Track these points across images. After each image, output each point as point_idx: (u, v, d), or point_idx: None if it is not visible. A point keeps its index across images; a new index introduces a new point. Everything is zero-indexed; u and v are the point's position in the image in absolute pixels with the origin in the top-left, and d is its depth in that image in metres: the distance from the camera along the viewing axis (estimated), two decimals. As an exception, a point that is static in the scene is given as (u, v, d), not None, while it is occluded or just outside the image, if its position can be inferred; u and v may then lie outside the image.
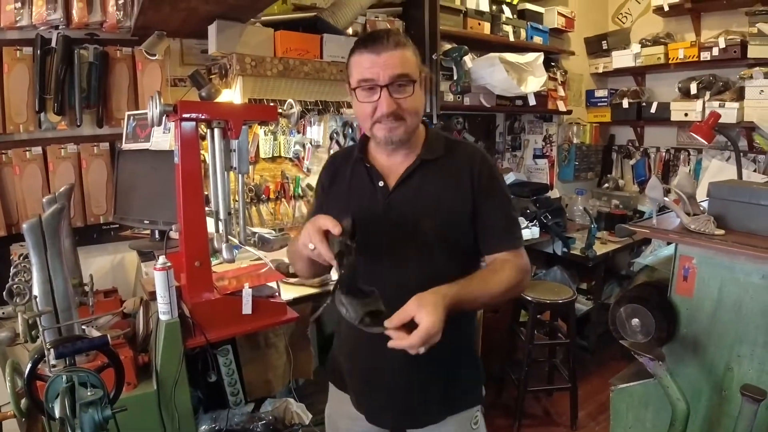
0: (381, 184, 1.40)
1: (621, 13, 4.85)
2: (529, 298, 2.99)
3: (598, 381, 3.51)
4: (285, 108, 2.05)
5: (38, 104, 2.37)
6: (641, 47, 4.33)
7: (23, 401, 1.45)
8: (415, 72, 1.33)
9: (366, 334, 1.19)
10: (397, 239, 1.37)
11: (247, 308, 1.93)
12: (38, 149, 2.42)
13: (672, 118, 4.17)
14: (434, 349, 1.16)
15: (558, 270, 3.91)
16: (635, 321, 1.85)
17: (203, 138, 2.01)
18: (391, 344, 1.14)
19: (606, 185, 4.83)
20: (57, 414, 1.10)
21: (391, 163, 1.43)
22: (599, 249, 3.67)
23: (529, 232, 3.56)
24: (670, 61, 4.16)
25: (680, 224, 1.86)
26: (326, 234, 1.21)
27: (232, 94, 2.50)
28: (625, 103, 4.51)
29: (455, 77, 3.36)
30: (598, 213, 4.36)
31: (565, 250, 3.72)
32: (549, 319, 3.48)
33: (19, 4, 2.28)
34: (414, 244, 1.37)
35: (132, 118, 2.51)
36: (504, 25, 3.75)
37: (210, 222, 1.90)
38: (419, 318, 1.12)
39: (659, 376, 1.74)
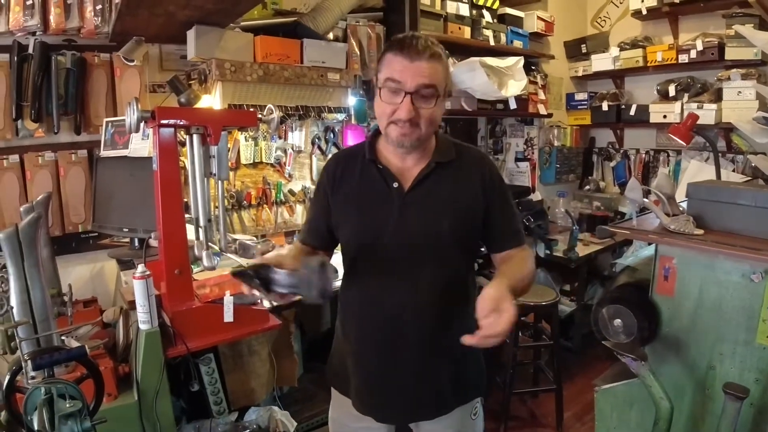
0: (395, 185, 1.42)
1: (600, 17, 4.91)
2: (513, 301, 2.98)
3: (583, 382, 3.52)
4: (265, 113, 2.04)
5: (15, 111, 2.35)
6: (620, 50, 4.39)
7: (2, 414, 1.42)
8: (441, 85, 1.34)
9: (376, 335, 1.33)
10: (413, 238, 1.40)
11: (228, 316, 1.91)
12: (15, 157, 2.39)
13: (651, 120, 4.23)
14: (444, 343, 1.26)
15: (541, 272, 3.92)
16: (617, 321, 1.86)
17: (182, 144, 2.00)
18: (476, 337, 1.15)
19: (587, 187, 4.87)
20: (36, 426, 1.08)
21: (405, 166, 1.45)
22: (581, 251, 3.70)
23: (512, 234, 3.56)
24: (648, 64, 4.22)
25: (660, 225, 1.87)
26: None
27: (212, 100, 2.49)
28: (605, 106, 4.56)
29: (436, 81, 3.36)
30: (580, 215, 4.39)
31: (547, 252, 3.74)
32: (533, 321, 3.49)
33: (-6, 11, 2.26)
34: (430, 243, 1.40)
35: (110, 124, 2.48)
36: (484, 30, 3.77)
37: (190, 229, 1.88)
38: (505, 306, 1.14)
39: (642, 376, 1.75)
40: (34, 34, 2.36)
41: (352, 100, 3.00)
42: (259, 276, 1.21)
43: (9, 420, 1.30)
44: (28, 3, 2.29)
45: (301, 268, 1.19)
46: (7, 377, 1.25)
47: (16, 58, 2.31)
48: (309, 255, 1.43)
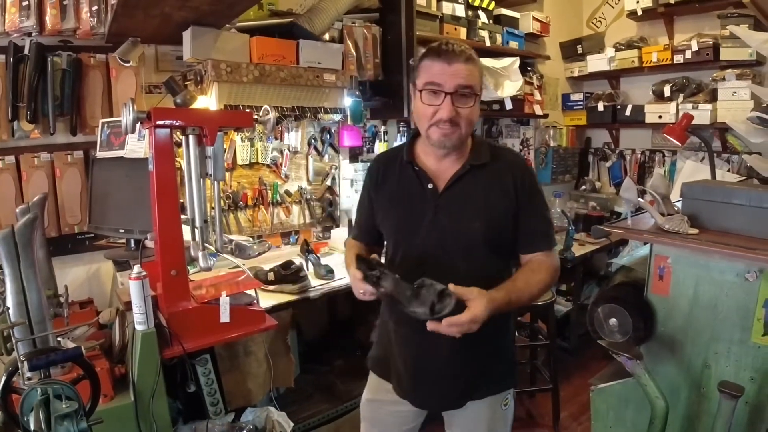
0: (430, 186, 1.50)
1: (595, 18, 4.92)
2: (510, 301, 3.00)
3: (580, 381, 3.53)
4: (261, 114, 2.04)
5: (11, 112, 2.34)
6: (615, 51, 4.41)
7: (-2, 415, 1.42)
8: (478, 86, 1.44)
9: (414, 326, 1.37)
10: (446, 238, 1.48)
11: (225, 317, 1.91)
12: (11, 158, 2.39)
13: (646, 121, 4.25)
14: (475, 337, 1.33)
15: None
16: (613, 321, 1.86)
17: (178, 145, 2.00)
18: (430, 327, 1.28)
19: (583, 187, 4.88)
20: (32, 427, 1.08)
21: (440, 168, 1.52)
22: (577, 250, 3.70)
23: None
24: (643, 65, 4.24)
25: (655, 224, 1.88)
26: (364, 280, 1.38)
27: (208, 101, 2.48)
28: (601, 107, 4.57)
29: (432, 82, 3.37)
30: (576, 215, 4.40)
31: (544, 252, 3.73)
32: (529, 320, 3.50)
33: (-10, 12, 2.25)
34: (462, 243, 1.48)
35: (106, 125, 2.48)
36: (480, 31, 3.78)
37: (186, 230, 1.88)
38: (473, 304, 1.28)
39: (638, 375, 1.75)
40: (30, 35, 2.35)
41: (348, 101, 3.01)
42: (380, 274, 1.36)
43: (5, 421, 1.30)
44: (24, 4, 2.29)
45: (423, 289, 1.31)
46: (4, 378, 1.24)
47: (11, 59, 2.31)
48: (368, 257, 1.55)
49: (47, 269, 2.09)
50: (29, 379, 1.27)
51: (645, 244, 1.98)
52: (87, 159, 2.55)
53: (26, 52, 2.33)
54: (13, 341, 1.44)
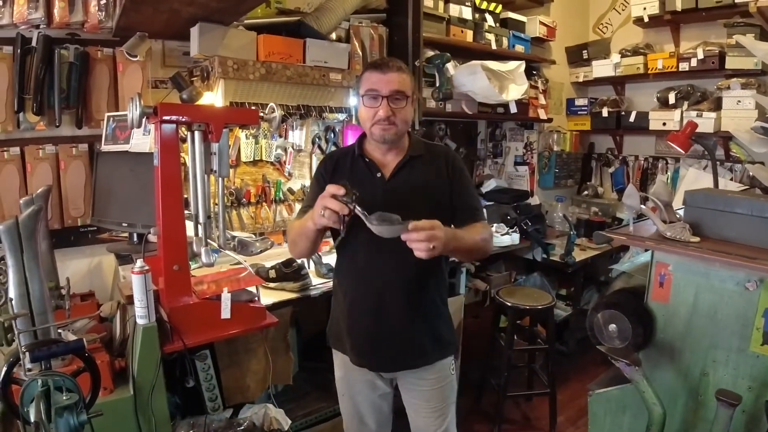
0: (379, 174, 1.77)
1: (602, 24, 4.93)
2: (509, 304, 3.01)
3: (577, 386, 3.54)
4: (266, 112, 2.05)
5: (17, 104, 2.35)
6: (621, 57, 4.40)
7: (-2, 405, 1.43)
8: (409, 90, 1.72)
9: (367, 298, 1.75)
10: None
11: (225, 313, 1.92)
12: (16, 150, 2.39)
13: (650, 128, 4.24)
14: (422, 303, 1.76)
15: (537, 276, 3.93)
16: (612, 326, 1.87)
17: (183, 140, 2.00)
18: (406, 237, 1.44)
19: (585, 193, 4.88)
20: (32, 418, 1.09)
21: (386, 160, 1.80)
22: (578, 255, 3.71)
23: (509, 238, 3.57)
24: (649, 71, 4.23)
25: (656, 231, 1.88)
26: (335, 197, 1.49)
27: (214, 97, 2.49)
28: (605, 112, 4.57)
29: (437, 84, 3.39)
30: (578, 220, 4.41)
31: (544, 256, 3.75)
32: (528, 324, 3.50)
33: (0, 3, 2.26)
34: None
35: (112, 119, 2.48)
36: (486, 34, 3.78)
37: (189, 225, 1.88)
38: (430, 222, 1.46)
39: (636, 381, 1.76)
40: (37, 27, 2.36)
41: (353, 101, 3.01)
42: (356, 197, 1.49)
43: (5, 411, 1.31)
44: (32, -4, 2.30)
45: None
46: (4, 369, 1.25)
47: (19, 51, 2.32)
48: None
49: (50, 261, 2.10)
50: (30, 370, 1.27)
51: (646, 251, 1.99)
52: (92, 152, 2.56)
53: (34, 44, 2.34)
54: (15, 332, 1.44)
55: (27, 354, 1.21)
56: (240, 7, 2.26)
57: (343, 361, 1.92)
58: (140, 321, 1.75)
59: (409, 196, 1.72)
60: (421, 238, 1.43)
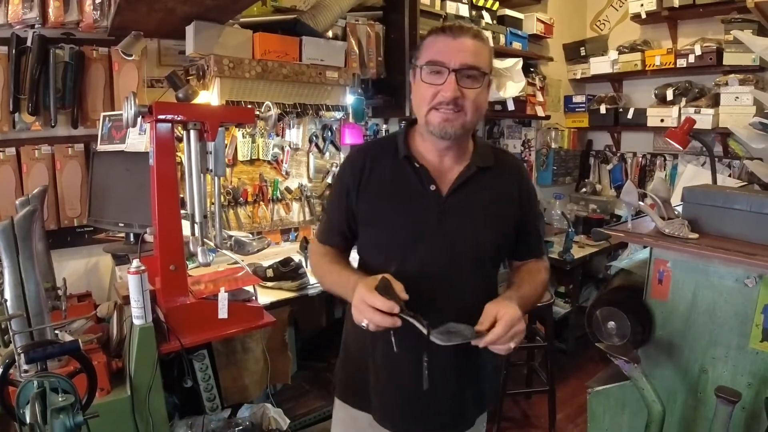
0: (433, 188, 1.33)
1: (599, 20, 4.92)
2: (508, 302, 3.00)
3: (576, 383, 3.53)
4: (263, 110, 2.04)
5: (12, 104, 2.34)
6: (619, 54, 4.40)
7: (-6, 407, 1.42)
8: (487, 68, 1.28)
9: (403, 351, 1.20)
10: (453, 248, 1.33)
11: (223, 312, 1.91)
12: (12, 150, 2.38)
13: (648, 124, 4.23)
14: (475, 357, 1.29)
15: (536, 274, 3.92)
16: (611, 324, 1.86)
17: (179, 140, 1.99)
18: (482, 343, 1.15)
19: (583, 190, 4.88)
20: (28, 420, 1.08)
21: (442, 166, 1.37)
22: (577, 253, 3.71)
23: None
24: (646, 68, 4.23)
25: (655, 228, 1.87)
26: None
27: (210, 96, 2.48)
28: (603, 109, 4.56)
29: (435, 81, 3.37)
30: (576, 217, 4.41)
31: (543, 253, 3.74)
32: (527, 322, 3.49)
33: (-7, 3, 2.25)
34: (471, 253, 1.36)
35: (107, 119, 2.48)
36: (483, 31, 3.76)
37: (186, 225, 1.88)
38: (500, 314, 1.15)
39: (635, 379, 1.75)
40: (32, 26, 2.35)
41: (350, 99, 3.01)
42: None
43: (1, 413, 1.30)
44: (27, -5, 2.29)
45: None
46: (0, 370, 1.24)
47: (14, 51, 2.31)
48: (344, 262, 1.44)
49: (46, 262, 2.10)
50: (26, 371, 1.27)
51: (645, 247, 1.98)
52: (87, 152, 2.55)
53: (29, 44, 2.33)
54: (11, 333, 1.44)
55: (23, 355, 1.20)
56: (235, 5, 2.26)
57: (353, 418, 1.50)
58: (137, 321, 1.75)
59: (469, 223, 1.34)
60: (504, 342, 1.14)
